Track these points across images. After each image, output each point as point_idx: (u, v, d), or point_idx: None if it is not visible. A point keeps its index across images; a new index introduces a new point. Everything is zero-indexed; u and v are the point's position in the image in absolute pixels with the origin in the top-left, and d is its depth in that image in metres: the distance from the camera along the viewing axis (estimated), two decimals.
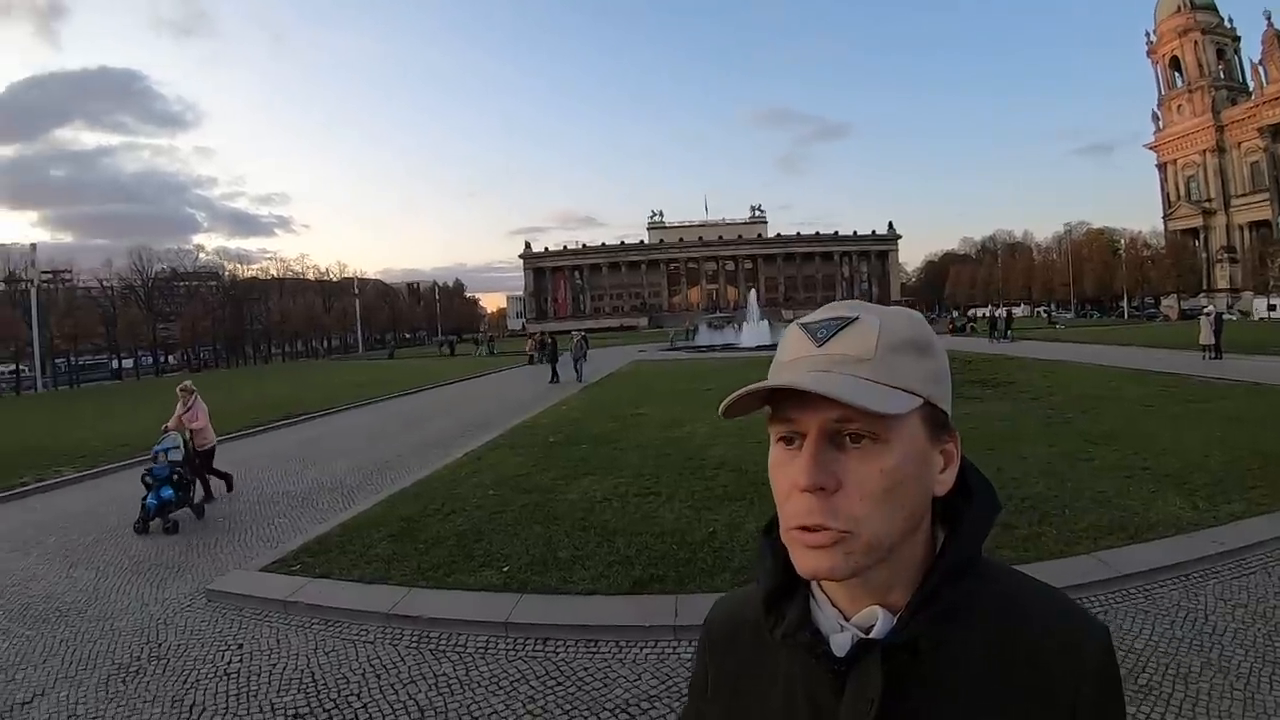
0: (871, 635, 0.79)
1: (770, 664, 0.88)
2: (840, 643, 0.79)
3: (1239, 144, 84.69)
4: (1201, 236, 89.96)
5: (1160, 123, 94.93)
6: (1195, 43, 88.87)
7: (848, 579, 0.76)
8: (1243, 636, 4.48)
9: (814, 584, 0.84)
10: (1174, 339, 34.39)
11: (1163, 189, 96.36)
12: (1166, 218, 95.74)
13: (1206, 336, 26.00)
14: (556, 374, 27.16)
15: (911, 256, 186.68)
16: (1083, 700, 0.77)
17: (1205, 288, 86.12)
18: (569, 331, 34.33)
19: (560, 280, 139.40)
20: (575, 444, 11.62)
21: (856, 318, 0.79)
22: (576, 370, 27.37)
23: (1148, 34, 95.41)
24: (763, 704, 0.88)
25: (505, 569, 5.96)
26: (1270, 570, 5.54)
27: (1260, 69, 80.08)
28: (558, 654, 4.64)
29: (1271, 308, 67.89)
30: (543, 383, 26.05)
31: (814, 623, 0.82)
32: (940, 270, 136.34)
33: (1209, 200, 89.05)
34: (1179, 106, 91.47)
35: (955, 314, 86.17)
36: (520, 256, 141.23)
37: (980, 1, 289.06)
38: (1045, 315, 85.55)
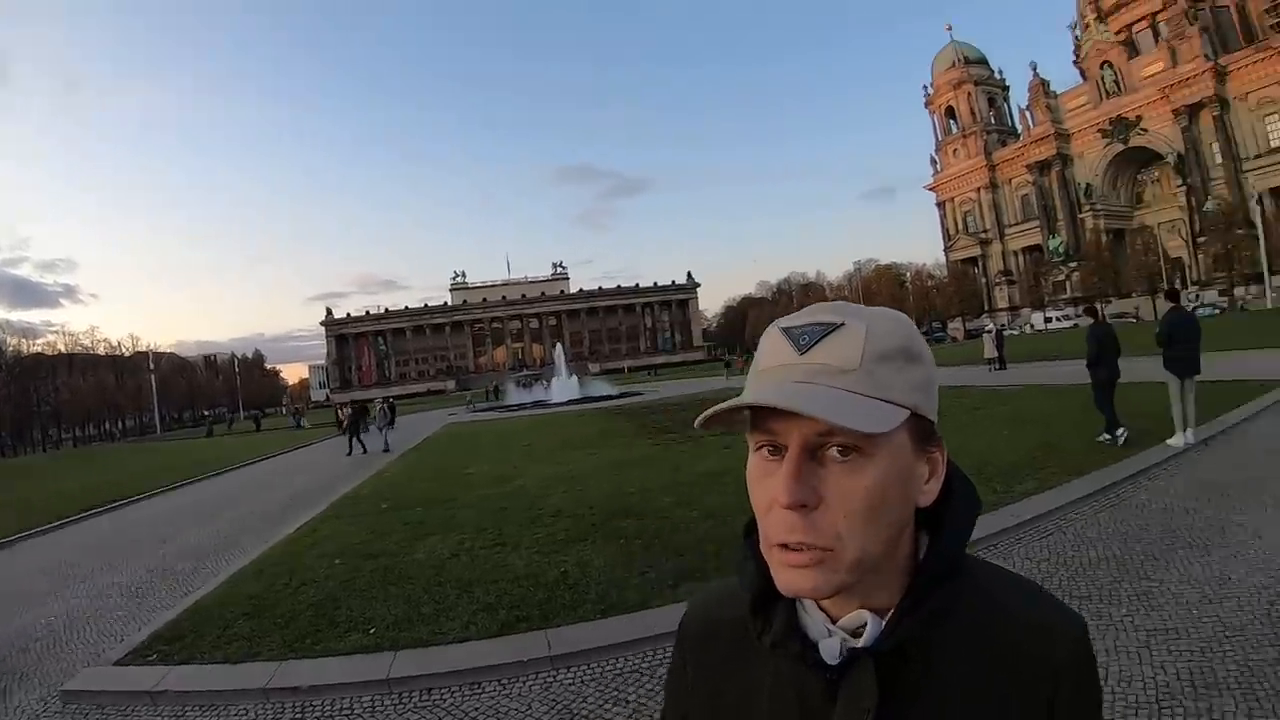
0: (861, 641, 0.78)
1: (754, 664, 0.87)
2: (830, 648, 0.79)
3: (1010, 180, 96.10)
4: (980, 264, 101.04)
5: (938, 165, 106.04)
6: (968, 93, 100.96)
7: (828, 597, 0.77)
8: (1048, 581, 5.48)
9: None
10: (962, 356, 37.72)
11: (943, 224, 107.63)
12: (948, 249, 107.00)
13: (990, 351, 29.45)
14: (363, 445, 25.03)
15: (711, 303, 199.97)
16: (1061, 691, 0.78)
17: (987, 308, 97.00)
18: (374, 400, 33.29)
19: (364, 346, 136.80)
20: (409, 508, 11.51)
21: (841, 324, 0.77)
22: (384, 440, 25.65)
23: (925, 87, 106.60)
24: (748, 705, 0.87)
25: (371, 630, 5.98)
26: (1064, 530, 6.78)
27: (1027, 114, 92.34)
28: (445, 701, 4.75)
29: (1048, 320, 76.32)
30: (358, 454, 24.09)
31: (801, 628, 0.82)
32: (740, 314, 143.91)
33: (985, 231, 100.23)
34: (955, 150, 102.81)
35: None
36: (322, 323, 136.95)
37: (771, 63, 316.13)
38: None
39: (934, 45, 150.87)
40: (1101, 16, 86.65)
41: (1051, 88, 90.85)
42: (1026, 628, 0.80)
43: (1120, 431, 10.14)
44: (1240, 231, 67.59)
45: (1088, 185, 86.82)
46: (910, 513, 0.79)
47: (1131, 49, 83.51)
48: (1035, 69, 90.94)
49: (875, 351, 0.75)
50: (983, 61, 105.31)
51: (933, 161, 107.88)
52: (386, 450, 24.19)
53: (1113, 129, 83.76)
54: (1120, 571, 5.58)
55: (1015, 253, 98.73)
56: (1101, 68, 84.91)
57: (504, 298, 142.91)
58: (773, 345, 0.80)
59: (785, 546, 0.73)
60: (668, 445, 16.30)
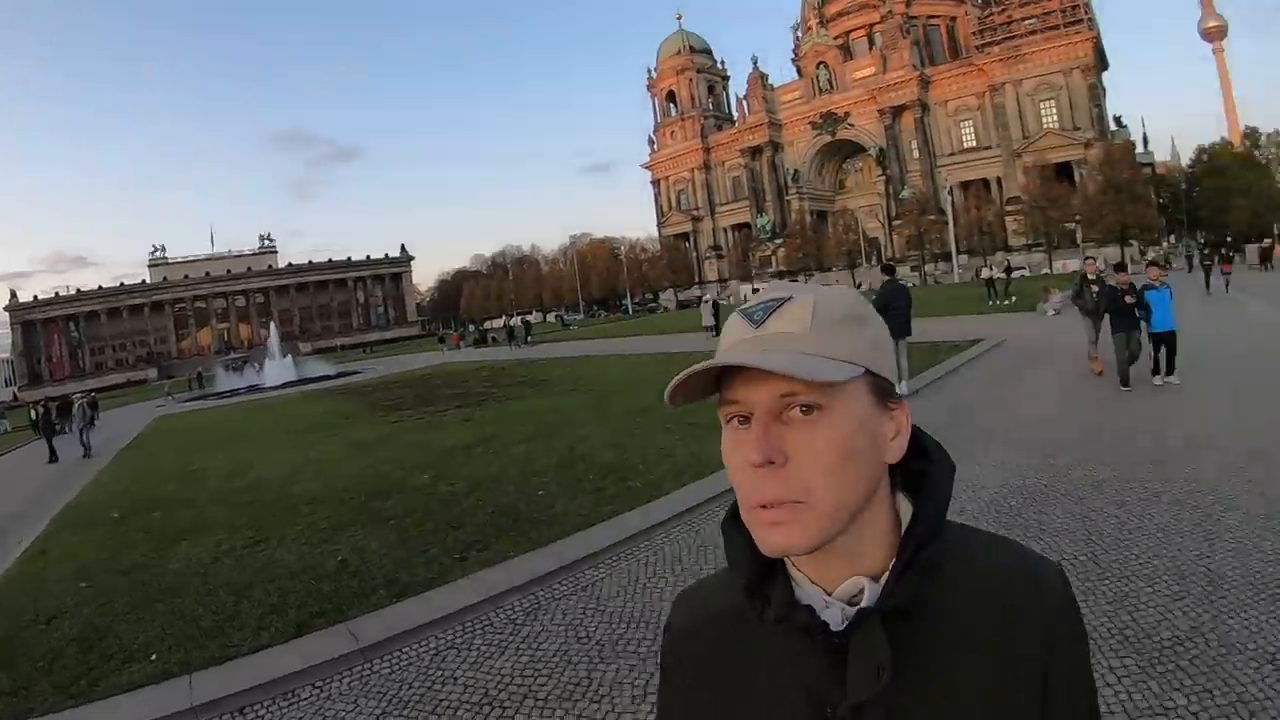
0: (863, 603, 0.80)
1: (749, 649, 0.88)
2: (832, 618, 0.80)
3: (723, 163, 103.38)
4: (692, 239, 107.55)
5: (656, 145, 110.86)
6: (691, 80, 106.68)
7: (810, 551, 0.78)
8: None
9: (789, 564, 0.85)
10: (679, 325, 39.65)
11: (657, 201, 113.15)
12: (661, 225, 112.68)
13: (708, 319, 31.16)
14: (55, 452, 21.34)
15: (426, 276, 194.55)
16: (1058, 635, 0.81)
17: (697, 280, 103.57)
18: (74, 396, 28.57)
19: (54, 334, 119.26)
20: (144, 514, 10.38)
21: (790, 297, 0.81)
22: (84, 442, 21.65)
23: (650, 70, 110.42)
24: (748, 690, 0.88)
25: (154, 657, 5.40)
26: None
27: (744, 103, 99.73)
28: (264, 716, 4.53)
29: (755, 290, 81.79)
30: (72, 459, 20.61)
31: (800, 601, 0.83)
32: (455, 287, 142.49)
33: (697, 209, 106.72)
34: (673, 132, 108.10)
35: (472, 327, 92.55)
36: (5, 309, 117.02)
37: (493, 33, 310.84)
38: (559, 319, 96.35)
39: (662, 30, 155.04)
40: (824, 22, 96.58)
41: (770, 81, 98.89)
42: (1018, 579, 0.83)
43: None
44: (932, 217, 79.21)
45: (795, 171, 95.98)
46: (880, 469, 0.83)
47: (847, 53, 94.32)
48: (756, 62, 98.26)
49: (824, 316, 0.80)
50: (707, 51, 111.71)
51: (650, 141, 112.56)
52: (87, 455, 20.98)
53: (822, 122, 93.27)
54: None
55: (725, 229, 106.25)
56: (818, 67, 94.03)
57: (208, 274, 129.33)
58: (733, 326, 0.84)
59: (762, 507, 0.77)
60: (405, 422, 16.18)
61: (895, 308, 11.71)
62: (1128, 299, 11.05)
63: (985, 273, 39.03)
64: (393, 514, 8.18)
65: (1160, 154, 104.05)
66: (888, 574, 0.81)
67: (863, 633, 0.79)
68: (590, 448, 10.28)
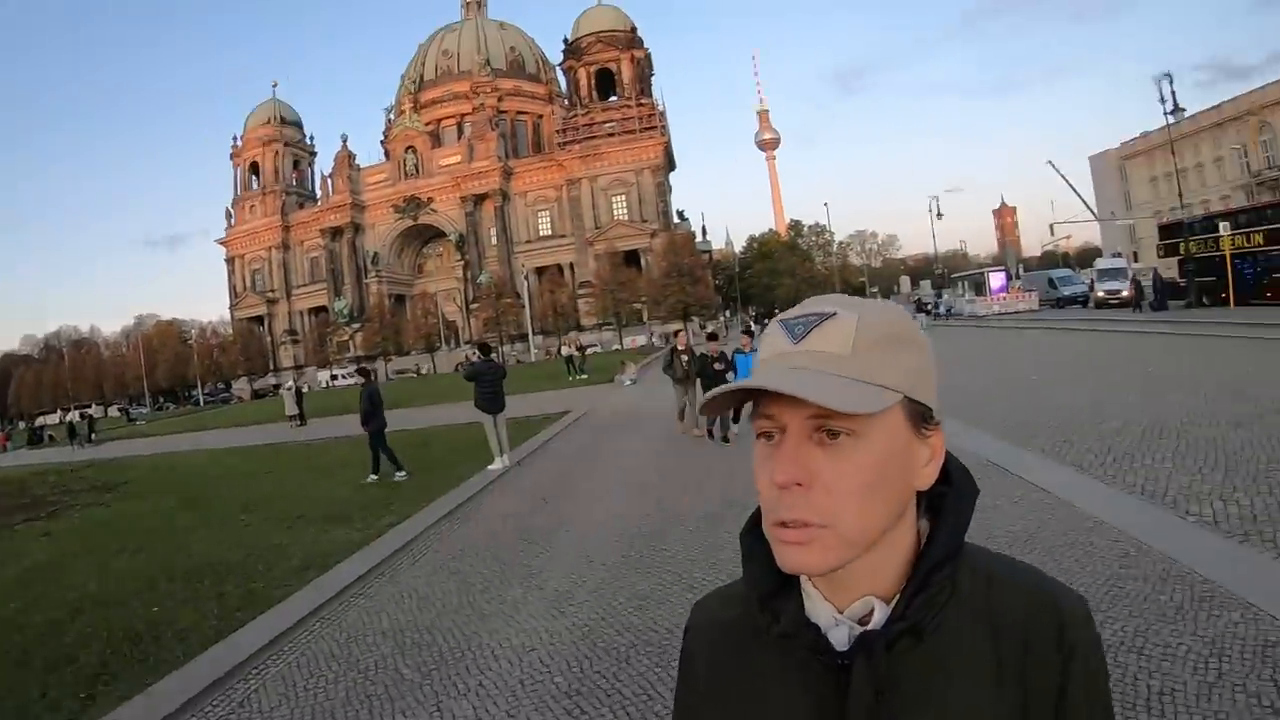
0: (871, 625, 0.79)
1: (761, 665, 0.87)
2: (839, 637, 0.80)
3: (302, 242, 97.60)
4: (267, 323, 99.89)
5: (233, 219, 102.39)
6: (276, 152, 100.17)
7: (827, 573, 0.77)
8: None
9: (804, 579, 0.83)
10: (258, 415, 38.48)
11: (230, 280, 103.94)
12: (234, 307, 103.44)
13: (291, 408, 29.37)
14: None
15: None
16: (1073, 664, 0.79)
17: (273, 368, 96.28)
18: None
19: None
20: None
21: (834, 313, 0.78)
22: None
23: (235, 138, 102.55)
24: (760, 708, 0.86)
25: None
26: (436, 546, 7.63)
27: (329, 181, 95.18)
28: None
29: (334, 378, 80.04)
30: None
31: (809, 618, 0.82)
32: (3, 373, 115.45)
33: (273, 290, 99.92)
34: (252, 206, 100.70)
35: (22, 424, 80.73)
36: None
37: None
38: (124, 413, 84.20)
39: (256, 97, 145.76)
40: (417, 107, 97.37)
41: (358, 161, 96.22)
42: (1035, 604, 0.81)
43: (401, 474, 11.90)
44: (509, 300, 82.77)
45: (375, 253, 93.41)
46: (909, 495, 0.80)
47: (436, 139, 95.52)
48: (345, 141, 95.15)
49: (867, 338, 0.76)
50: (298, 124, 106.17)
51: (228, 215, 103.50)
52: None
53: (406, 206, 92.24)
54: (499, 563, 6.80)
55: (302, 312, 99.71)
56: (406, 151, 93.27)
57: None
58: (772, 336, 0.81)
59: (784, 524, 0.75)
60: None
61: (488, 383, 12.06)
62: (717, 365, 11.84)
63: (565, 350, 42.25)
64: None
65: (718, 242, 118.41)
66: (899, 596, 0.80)
67: (865, 656, 0.78)
68: (200, 552, 8.92)
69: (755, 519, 0.84)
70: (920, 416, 0.78)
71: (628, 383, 26.89)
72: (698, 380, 12.23)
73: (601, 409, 19.78)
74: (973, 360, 19.95)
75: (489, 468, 11.49)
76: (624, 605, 5.32)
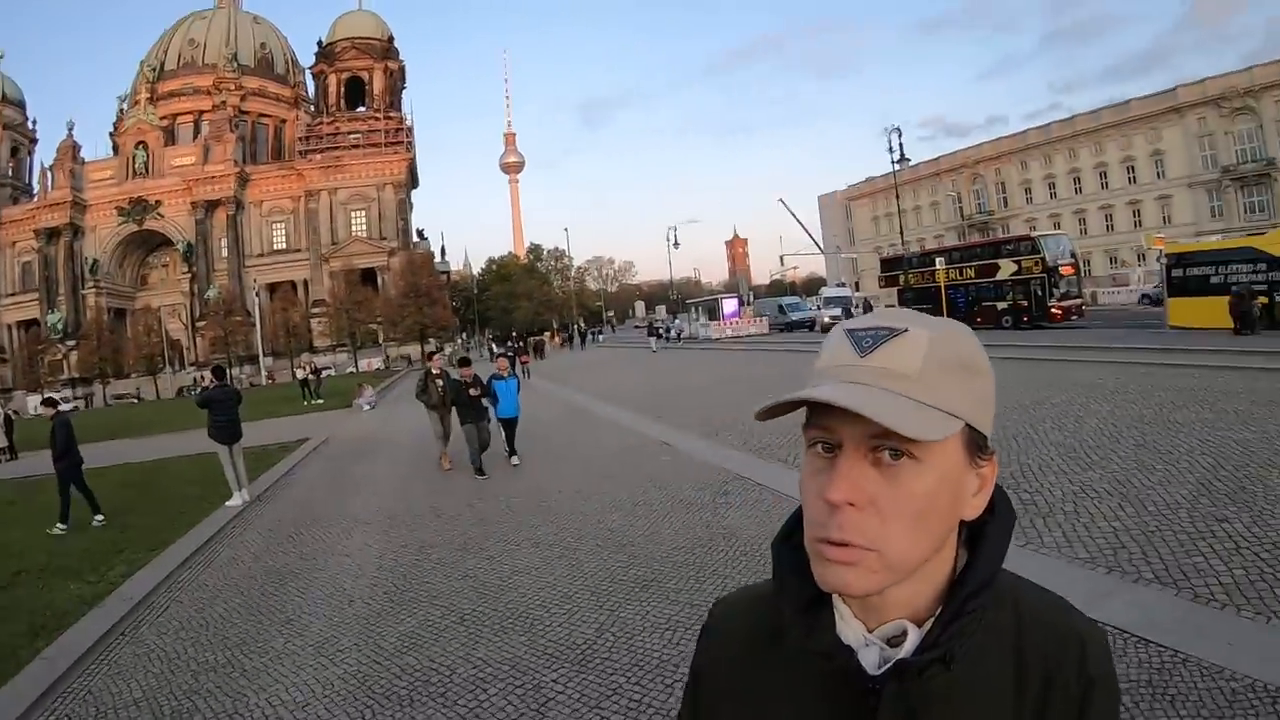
0: (903, 651, 0.78)
1: (782, 675, 0.87)
2: (870, 659, 0.79)
3: (14, 243, 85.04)
4: None
5: None
6: None
7: (866, 596, 0.76)
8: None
9: (835, 596, 0.81)
10: None
11: None
12: None
13: (0, 440, 26.11)
14: None
15: None
16: (1095, 698, 0.80)
17: None
18: None
19: None
20: None
21: (905, 329, 0.76)
22: None
23: None
24: (770, 712, 0.87)
25: None
26: (198, 577, 6.94)
27: (50, 174, 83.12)
28: None
29: (47, 402, 67.83)
30: None
31: (839, 637, 0.81)
32: None
33: None
34: None
35: None
36: None
37: None
38: None
39: None
40: (154, 99, 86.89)
41: (84, 154, 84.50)
42: (1064, 637, 0.82)
43: (99, 518, 10.55)
44: (239, 319, 75.23)
45: (95, 261, 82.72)
46: (955, 523, 0.79)
47: (171, 137, 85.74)
48: (71, 129, 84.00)
49: (936, 360, 0.75)
50: (21, 104, 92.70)
51: None
52: None
53: (131, 209, 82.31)
54: (254, 611, 6.48)
55: (10, 326, 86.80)
56: (137, 146, 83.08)
57: None
58: (835, 345, 0.79)
59: (829, 542, 0.73)
60: None
61: (222, 411, 11.24)
62: (472, 390, 11.61)
63: (300, 373, 40.54)
64: None
65: (456, 263, 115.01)
66: (932, 621, 0.79)
67: (896, 683, 0.78)
68: None
69: (788, 528, 0.85)
70: (976, 446, 0.78)
71: (366, 407, 26.27)
72: (453, 407, 12.02)
73: (341, 435, 19.37)
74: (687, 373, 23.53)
75: (227, 504, 10.90)
76: (395, 645, 5.26)
